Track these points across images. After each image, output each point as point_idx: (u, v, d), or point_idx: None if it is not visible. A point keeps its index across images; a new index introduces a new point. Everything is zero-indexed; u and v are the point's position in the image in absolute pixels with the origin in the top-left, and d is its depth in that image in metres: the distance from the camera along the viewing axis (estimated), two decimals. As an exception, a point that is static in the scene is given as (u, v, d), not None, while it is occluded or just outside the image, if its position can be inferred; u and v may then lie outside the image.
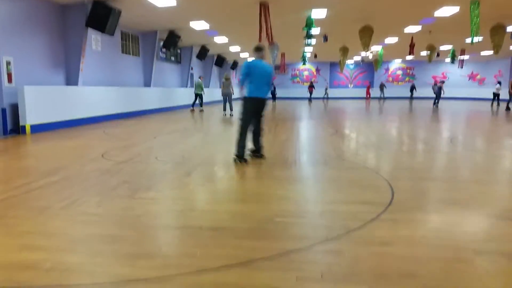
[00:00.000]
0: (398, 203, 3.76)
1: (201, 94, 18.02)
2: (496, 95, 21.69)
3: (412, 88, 31.92)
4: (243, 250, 2.74)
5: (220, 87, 34.85)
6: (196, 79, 17.75)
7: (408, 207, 3.66)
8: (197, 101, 18.27)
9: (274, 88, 30.97)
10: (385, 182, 4.56)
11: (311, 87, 32.53)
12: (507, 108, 18.87)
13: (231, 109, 15.36)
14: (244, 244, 2.83)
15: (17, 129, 9.68)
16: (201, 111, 17.95)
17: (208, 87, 28.56)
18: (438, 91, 21.88)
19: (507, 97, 19.48)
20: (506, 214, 3.47)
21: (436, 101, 21.95)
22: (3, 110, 9.45)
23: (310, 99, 32.32)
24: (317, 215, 3.48)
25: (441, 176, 5.15)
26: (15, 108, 9.65)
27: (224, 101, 15.67)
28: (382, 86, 33.51)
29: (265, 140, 8.32)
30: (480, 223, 3.34)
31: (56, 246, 2.82)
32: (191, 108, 18.58)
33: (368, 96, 34.71)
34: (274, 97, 30.73)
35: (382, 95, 33.39)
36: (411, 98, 32.67)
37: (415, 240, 2.89)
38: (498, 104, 21.65)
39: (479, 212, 3.56)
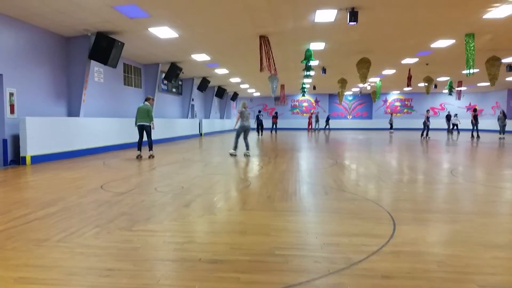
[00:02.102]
0: (400, 235, 3.72)
1: (149, 128, 10.96)
2: (455, 125, 26.89)
3: (317, 119, 33.06)
4: (243, 283, 2.69)
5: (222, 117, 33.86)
6: (146, 103, 11.06)
7: (410, 239, 3.62)
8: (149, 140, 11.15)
9: (258, 117, 26.69)
10: (387, 214, 4.52)
11: (274, 117, 30.29)
12: (472, 136, 22.23)
13: (247, 147, 11.67)
14: (244, 278, 2.78)
15: (18, 160, 9.68)
16: (151, 157, 10.98)
17: (209, 118, 28.84)
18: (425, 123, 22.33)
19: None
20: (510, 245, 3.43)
21: (425, 132, 21.89)
22: (4, 141, 9.49)
23: (272, 130, 30.07)
24: (319, 248, 3.43)
25: (443, 207, 5.11)
26: (16, 139, 9.70)
27: (237, 137, 11.76)
28: (317, 117, 33.47)
29: (264, 171, 8.35)
30: (484, 255, 3.29)
31: (52, 279, 2.77)
32: (138, 154, 10.95)
33: (310, 127, 33.62)
34: (260, 128, 26.25)
35: (317, 126, 33.37)
36: (315, 129, 33.29)
37: (418, 273, 2.84)
38: (458, 133, 26.95)
39: (482, 244, 3.51)
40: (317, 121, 33.09)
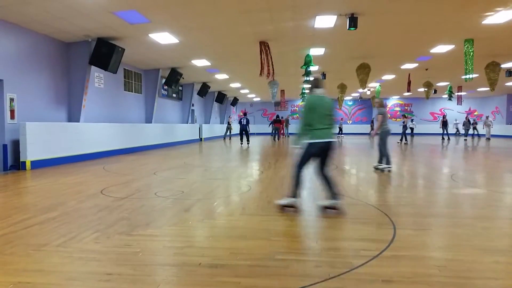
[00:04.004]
0: (400, 240, 3.71)
1: (333, 147, 4.84)
2: (412, 129, 27.52)
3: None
4: (243, 288, 2.68)
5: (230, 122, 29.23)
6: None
7: (411, 243, 3.61)
8: None
9: (247, 122, 20.00)
10: (387, 218, 4.51)
11: (277, 122, 26.91)
12: (442, 139, 25.01)
13: (389, 161, 8.78)
14: (244, 282, 2.77)
15: (18, 165, 9.68)
16: (335, 208, 4.85)
17: (209, 123, 28.84)
18: (404, 128, 22.54)
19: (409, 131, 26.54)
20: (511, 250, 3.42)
21: (403, 137, 21.90)
22: (5, 146, 9.50)
23: (274, 135, 26.97)
24: (319, 252, 3.42)
25: (443, 211, 5.10)
26: (16, 144, 9.70)
27: (385, 145, 8.89)
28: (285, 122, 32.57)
29: (264, 176, 8.34)
30: (485, 260, 3.27)
31: (51, 284, 2.76)
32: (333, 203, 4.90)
33: (282, 132, 30.84)
34: (245, 136, 20.02)
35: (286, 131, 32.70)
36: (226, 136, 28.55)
37: (419, 277, 2.83)
38: (413, 136, 28.18)
39: (483, 248, 3.50)
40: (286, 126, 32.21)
